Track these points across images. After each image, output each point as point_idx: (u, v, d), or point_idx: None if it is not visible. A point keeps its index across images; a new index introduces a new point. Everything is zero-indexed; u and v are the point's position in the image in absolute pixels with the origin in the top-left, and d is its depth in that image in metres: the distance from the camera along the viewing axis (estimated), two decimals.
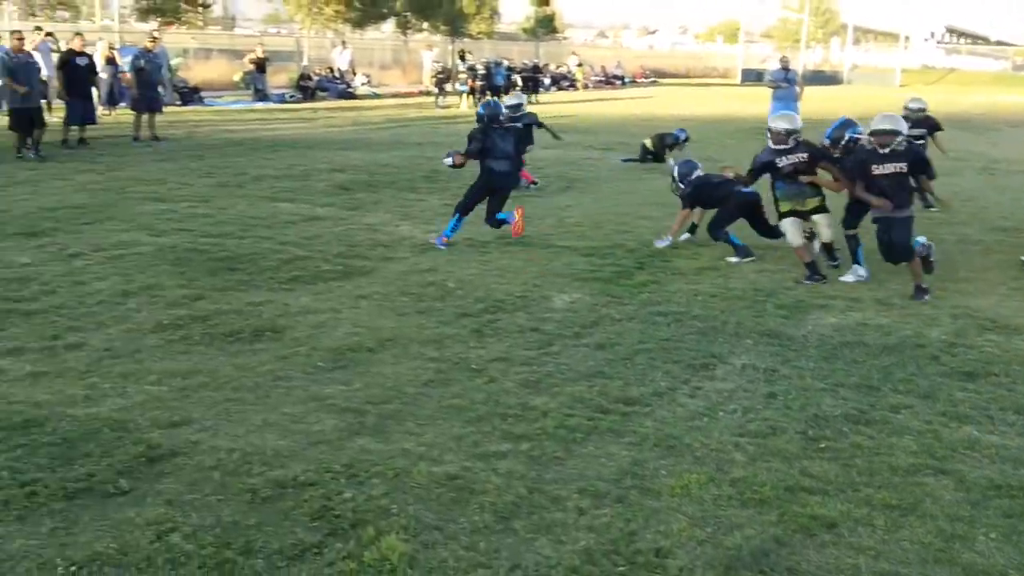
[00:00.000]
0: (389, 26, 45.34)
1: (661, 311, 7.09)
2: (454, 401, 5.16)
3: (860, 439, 4.84)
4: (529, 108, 13.95)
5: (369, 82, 34.19)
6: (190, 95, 25.58)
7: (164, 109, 18.36)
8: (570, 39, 66.65)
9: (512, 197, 9.64)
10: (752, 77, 55.49)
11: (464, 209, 9.14)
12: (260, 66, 28.05)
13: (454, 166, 9.41)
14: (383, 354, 5.91)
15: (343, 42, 35.65)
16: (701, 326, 6.77)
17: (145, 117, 16.98)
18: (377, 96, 32.13)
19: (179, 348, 5.88)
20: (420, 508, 3.96)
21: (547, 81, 38.50)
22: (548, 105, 27.57)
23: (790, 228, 8.36)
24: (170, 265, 7.92)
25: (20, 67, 14.22)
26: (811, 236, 8.56)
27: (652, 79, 53.38)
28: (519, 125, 11.13)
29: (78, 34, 17.04)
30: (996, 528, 3.97)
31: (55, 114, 16.27)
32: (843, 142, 8.65)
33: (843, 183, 8.21)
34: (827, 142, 8.76)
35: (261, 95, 27.54)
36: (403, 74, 38.38)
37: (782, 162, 8.24)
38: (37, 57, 16.74)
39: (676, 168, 9.89)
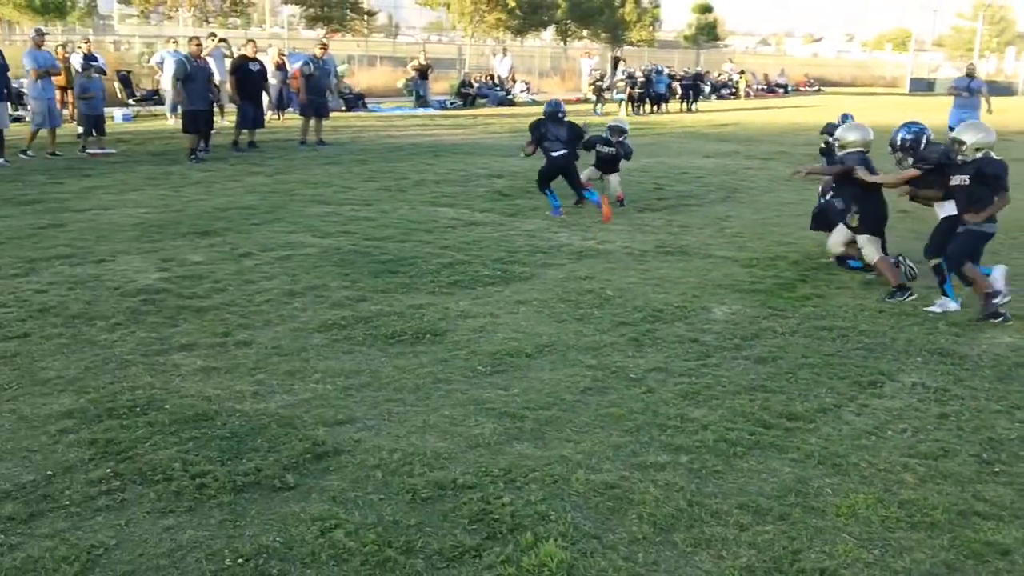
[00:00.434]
0: (548, 34, 45.64)
1: (825, 325, 6.84)
2: (612, 410, 5.11)
3: None
4: (684, 117, 13.53)
5: (528, 89, 34.51)
6: (354, 101, 26.43)
7: (330, 115, 19.01)
8: (731, 47, 65.55)
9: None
10: (922, 87, 53.30)
11: (542, 187, 11.27)
12: (423, 73, 28.72)
13: (527, 155, 11.54)
14: (541, 360, 5.91)
15: (504, 49, 36.13)
16: (868, 342, 6.50)
17: (312, 122, 17.63)
18: (536, 103, 32.35)
19: (343, 348, 6.04)
20: (578, 516, 3.92)
21: (707, 89, 37.92)
22: (708, 114, 27.18)
23: (871, 245, 8.03)
24: (334, 266, 8.16)
25: (197, 71, 14.98)
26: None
27: (816, 87, 51.91)
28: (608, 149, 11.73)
29: (251, 41, 17.87)
30: None
31: (227, 118, 17.09)
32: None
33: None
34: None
35: (423, 101, 28.17)
36: (561, 81, 38.58)
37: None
38: (210, 62, 17.65)
39: None
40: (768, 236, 10.15)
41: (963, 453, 4.70)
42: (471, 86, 30.93)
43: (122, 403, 4.97)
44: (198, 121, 14.94)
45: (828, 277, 8.34)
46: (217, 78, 18.37)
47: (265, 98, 18.58)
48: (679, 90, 32.02)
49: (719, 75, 42.95)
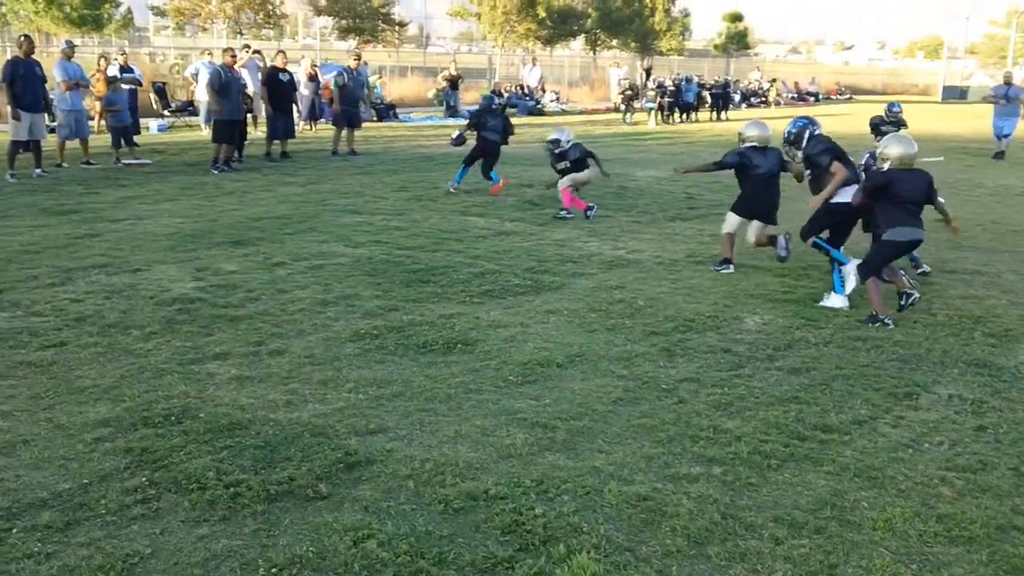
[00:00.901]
0: (578, 43, 45.67)
1: (859, 336, 6.79)
2: (644, 420, 5.09)
3: None
4: (714, 126, 13.48)
5: (558, 99, 34.53)
6: (385, 111, 26.56)
7: (362, 125, 19.11)
8: (761, 55, 65.27)
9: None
10: (955, 95, 52.78)
11: (468, 162, 13.37)
12: (453, 83, 28.82)
13: (457, 143, 13.92)
14: (572, 370, 5.90)
15: (533, 59, 36.19)
16: (903, 353, 6.44)
17: (344, 132, 17.75)
18: (565, 112, 32.40)
19: (375, 357, 6.06)
20: (611, 528, 3.91)
21: (737, 98, 37.76)
22: (738, 122, 26.99)
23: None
24: (366, 276, 8.19)
25: (231, 82, 15.13)
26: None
27: (848, 96, 51.53)
28: (566, 156, 11.69)
29: (280, 52, 18.00)
30: None
31: (260, 128, 17.22)
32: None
33: None
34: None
35: (453, 111, 28.26)
36: (591, 90, 38.56)
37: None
38: (244, 74, 17.81)
39: None
40: (800, 245, 10.02)
41: (1001, 466, 4.64)
42: (501, 96, 30.98)
43: (157, 412, 5.02)
44: (229, 131, 15.05)
45: (861, 287, 8.25)
46: (251, 89, 18.56)
47: (296, 109, 18.70)
48: (708, 99, 31.91)
49: (748, 83, 42.77)
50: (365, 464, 4.46)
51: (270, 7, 29.86)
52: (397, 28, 38.37)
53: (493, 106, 13.90)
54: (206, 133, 20.14)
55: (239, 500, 4.07)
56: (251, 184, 13.59)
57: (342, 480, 4.30)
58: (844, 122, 29.38)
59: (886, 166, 7.33)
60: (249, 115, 17.74)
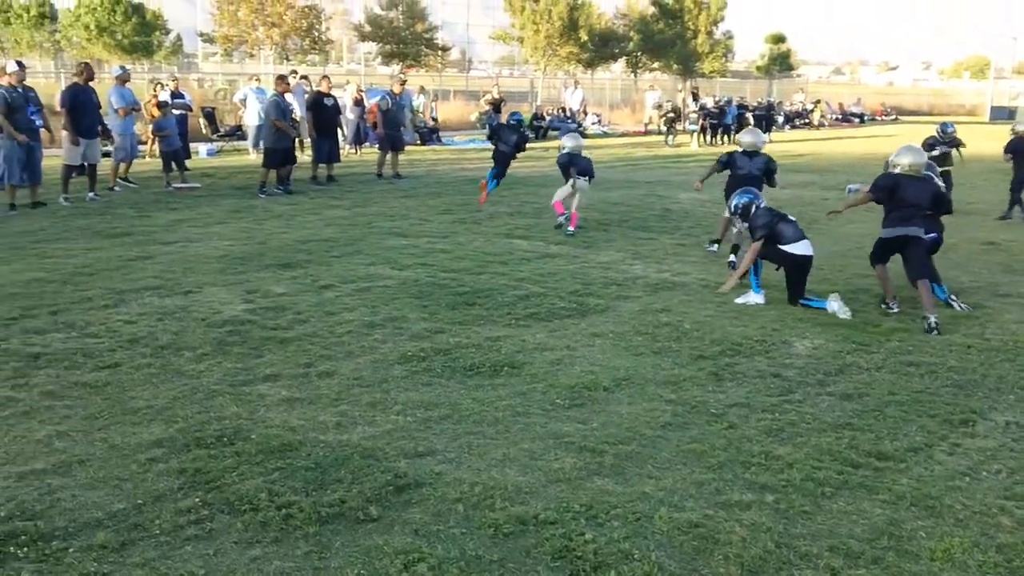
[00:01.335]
0: (618, 66, 45.72)
1: (912, 361, 6.69)
2: (693, 446, 5.05)
3: None
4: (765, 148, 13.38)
5: (600, 121, 34.58)
6: (429, 135, 26.75)
7: (405, 148, 19.28)
8: (805, 76, 64.92)
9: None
10: (1003, 115, 52.04)
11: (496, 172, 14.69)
12: (496, 106, 28.98)
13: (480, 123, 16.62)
14: (619, 394, 5.88)
15: (576, 82, 36.30)
16: (958, 379, 6.33)
17: (388, 156, 17.90)
18: (607, 135, 32.43)
19: (422, 379, 6.08)
20: (662, 555, 3.87)
21: (780, 119, 37.57)
22: (782, 144, 26.88)
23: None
24: (412, 298, 8.23)
25: (287, 109, 15.38)
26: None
27: (893, 116, 51.08)
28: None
29: (325, 77, 18.22)
30: None
31: (307, 152, 17.43)
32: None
33: None
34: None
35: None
36: (632, 113, 38.56)
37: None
38: (290, 99, 18.05)
39: None
40: (849, 268, 9.98)
41: None
42: (543, 119, 31.09)
43: (210, 433, 5.07)
44: (279, 157, 15.26)
45: (913, 311, 8.15)
46: (298, 113, 18.80)
47: (340, 132, 18.89)
48: (751, 120, 31.80)
49: (792, 105, 42.56)
50: (414, 487, 4.47)
51: (316, 33, 30.24)
52: (440, 53, 38.67)
53: (512, 122, 15.43)
54: (254, 157, 20.43)
55: (291, 522, 4.09)
56: (298, 207, 13.73)
57: (392, 503, 4.31)
58: (893, 143, 29.09)
59: (896, 171, 8.25)
60: (296, 139, 17.93)
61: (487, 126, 28.81)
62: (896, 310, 8.11)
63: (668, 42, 38.34)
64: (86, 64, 14.70)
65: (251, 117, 20.98)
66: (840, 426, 5.39)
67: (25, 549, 3.83)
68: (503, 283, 8.88)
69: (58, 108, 14.33)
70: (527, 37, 36.25)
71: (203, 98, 26.30)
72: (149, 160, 18.25)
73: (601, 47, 38.88)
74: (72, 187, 13.68)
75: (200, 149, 21.13)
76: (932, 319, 7.61)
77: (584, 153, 12.57)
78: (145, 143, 19.01)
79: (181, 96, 19.30)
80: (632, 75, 43.72)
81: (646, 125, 34.01)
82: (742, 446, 5.05)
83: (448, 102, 33.81)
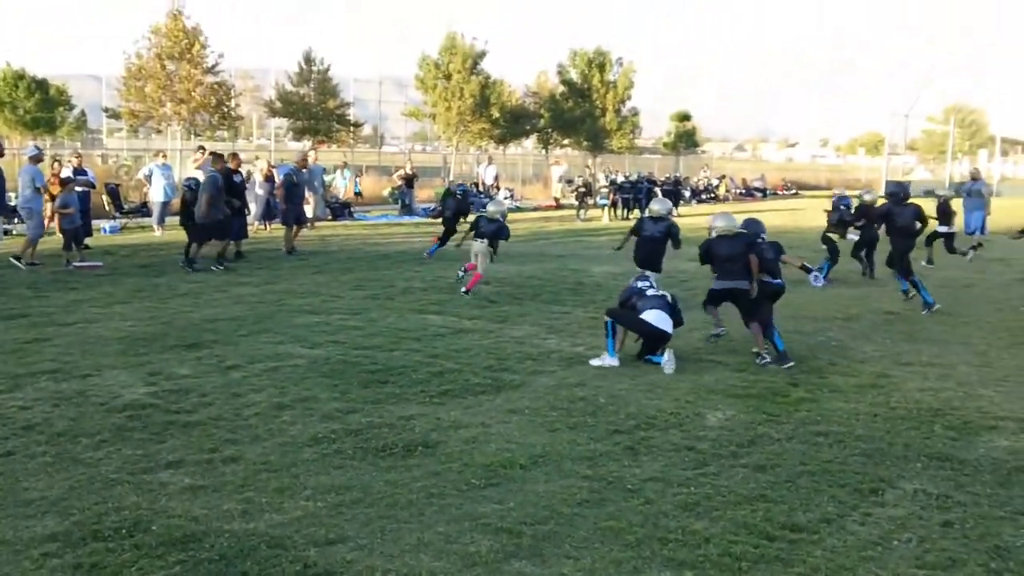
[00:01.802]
0: (530, 141, 46.44)
1: (821, 431, 6.79)
2: (611, 523, 4.99)
3: None
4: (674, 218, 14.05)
5: (512, 195, 34.96)
6: (340, 210, 26.64)
7: (314, 224, 19.18)
8: (709, 152, 66.92)
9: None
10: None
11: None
12: (409, 181, 29.08)
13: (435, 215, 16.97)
14: (535, 471, 5.81)
15: (489, 158, 36.70)
16: (866, 447, 6.44)
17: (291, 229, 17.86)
18: (520, 209, 32.75)
19: (333, 462, 5.92)
20: None
21: (687, 194, 38.59)
22: (690, 217, 27.47)
23: None
24: (323, 377, 8.07)
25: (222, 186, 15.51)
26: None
27: (793, 191, 52.82)
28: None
29: (233, 154, 18.06)
30: None
31: None
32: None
33: None
34: None
35: (408, 209, 28.45)
36: (544, 187, 39.11)
37: None
38: (199, 175, 17.85)
39: None
40: (752, 341, 10.12)
41: (971, 563, 4.61)
42: (456, 194, 31.25)
43: (108, 525, 4.82)
44: (209, 232, 15.37)
45: (820, 381, 8.32)
46: None
47: (246, 208, 18.72)
48: (659, 194, 32.55)
49: (698, 180, 43.79)
50: None
51: (225, 109, 30.00)
52: (352, 129, 38.75)
53: (457, 192, 18.59)
54: (159, 235, 20.04)
55: None
56: (205, 285, 13.45)
57: None
58: (792, 216, 30.05)
59: (713, 234, 9.75)
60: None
61: (400, 201, 28.93)
62: (767, 360, 8.94)
63: (577, 120, 39.10)
64: None
65: (156, 194, 20.64)
66: (754, 498, 5.40)
67: None
68: (417, 359, 8.78)
69: None
70: (439, 114, 36.59)
71: (106, 174, 25.78)
72: (46, 238, 17.74)
73: (513, 124, 39.46)
74: None
75: (103, 226, 20.65)
76: (764, 356, 8.98)
77: (499, 218, 13.72)
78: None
79: (84, 172, 18.85)
80: (544, 151, 44.40)
81: (556, 199, 34.59)
82: (659, 522, 5.02)
83: (360, 177, 33.80)
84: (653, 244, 11.32)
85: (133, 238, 19.97)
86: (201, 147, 22.19)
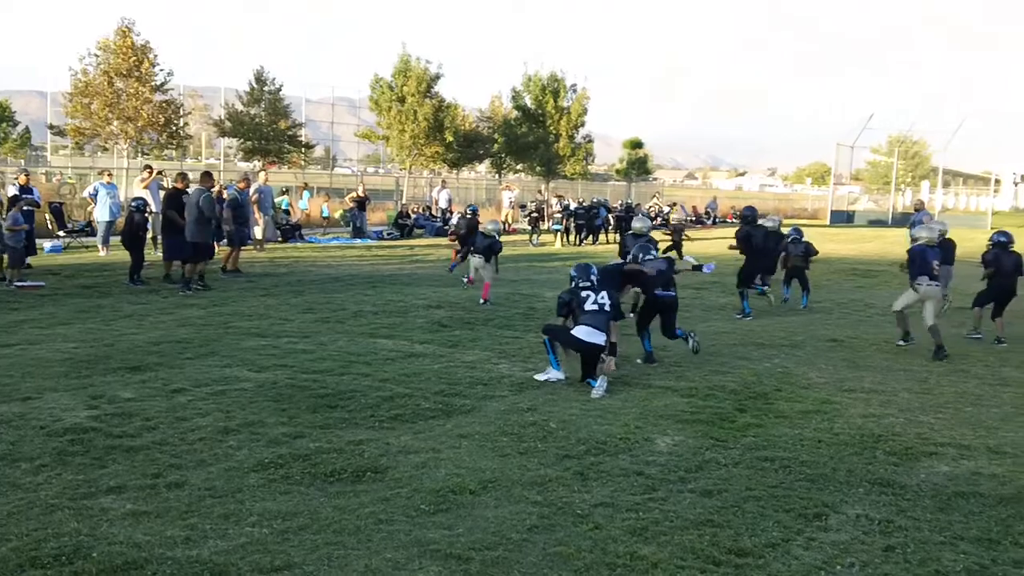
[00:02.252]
0: (484, 165, 46.63)
1: (767, 456, 6.85)
2: (559, 548, 4.99)
3: None
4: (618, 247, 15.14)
5: None
6: (291, 231, 26.47)
7: (267, 245, 19.03)
8: (661, 180, 67.68)
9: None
10: (842, 218, 55.40)
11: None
12: (361, 204, 29.00)
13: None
14: (485, 497, 5.79)
15: (443, 181, 36.76)
16: (810, 472, 6.51)
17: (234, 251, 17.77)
18: None
19: (280, 488, 5.84)
20: None
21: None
22: None
23: None
24: (271, 401, 7.98)
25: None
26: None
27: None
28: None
29: (181, 174, 17.88)
30: None
31: (158, 249, 16.94)
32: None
33: None
34: None
35: (359, 232, 28.35)
36: (497, 211, 39.23)
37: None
38: (147, 194, 17.63)
39: None
40: (705, 365, 10.24)
41: None
42: (408, 217, 31.27)
43: (47, 551, 4.71)
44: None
45: (766, 407, 8.41)
46: (154, 209, 18.35)
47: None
48: (612, 221, 32.81)
49: (650, 207, 44.27)
50: None
51: (174, 128, 29.73)
52: (303, 150, 38.61)
53: (467, 212, 19.83)
54: (104, 254, 19.74)
55: None
56: (150, 306, 13.26)
57: None
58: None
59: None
60: (152, 238, 17.50)
61: (351, 224, 28.83)
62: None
63: (531, 145, 39.39)
64: None
65: (101, 213, 20.34)
66: (701, 523, 5.43)
67: None
68: (366, 384, 8.73)
69: None
70: (393, 136, 36.62)
71: (51, 193, 25.36)
72: None
73: (466, 148, 39.63)
74: None
75: (45, 245, 20.31)
76: (691, 341, 10.51)
77: (493, 235, 15.49)
78: None
79: (30, 191, 18.54)
80: (497, 175, 44.62)
81: (504, 223, 34.70)
82: (608, 547, 5.02)
83: (312, 199, 33.65)
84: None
85: (77, 258, 19.64)
86: (148, 166, 21.90)
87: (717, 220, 49.24)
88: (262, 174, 24.35)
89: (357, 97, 44.96)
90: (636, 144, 53.86)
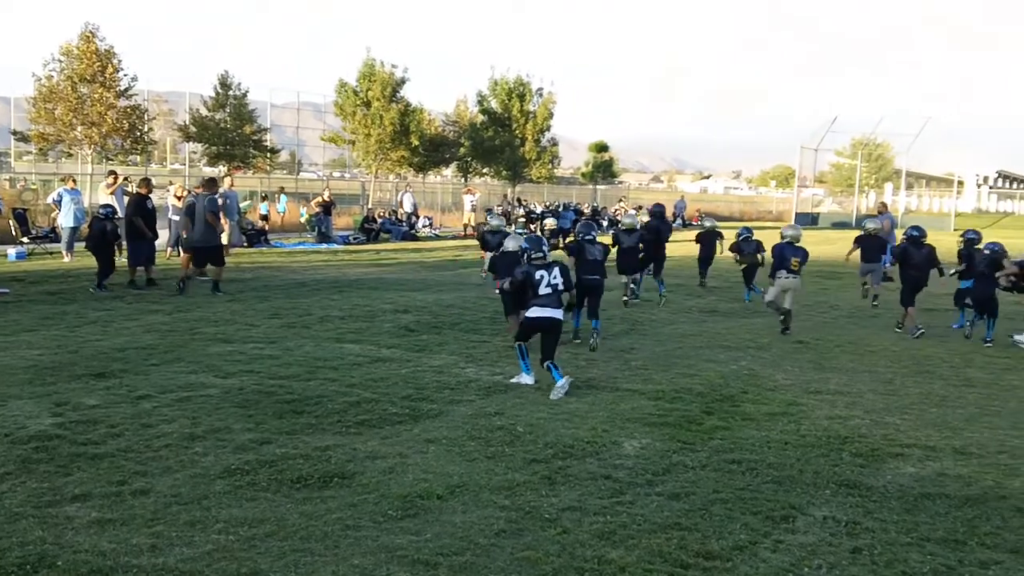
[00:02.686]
0: (450, 170, 46.58)
1: (735, 459, 6.91)
2: (527, 553, 5.00)
3: None
4: None
5: (431, 224, 34.97)
6: (256, 236, 26.29)
7: (232, 250, 18.92)
8: (626, 183, 67.96)
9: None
10: (806, 220, 55.90)
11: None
12: (326, 208, 28.86)
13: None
14: (453, 502, 5.79)
15: (408, 185, 36.66)
16: (777, 475, 6.57)
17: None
18: (439, 237, 32.77)
19: (246, 494, 5.81)
20: None
21: (605, 223, 39.10)
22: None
23: None
24: (237, 407, 7.93)
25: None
26: None
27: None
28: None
29: (145, 180, 17.70)
30: None
31: (123, 254, 16.73)
32: None
33: None
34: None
35: (325, 237, 28.21)
36: (463, 216, 39.24)
37: None
38: (112, 200, 17.41)
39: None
40: (672, 368, 10.30)
41: None
42: (374, 221, 31.17)
43: (11, 560, 4.66)
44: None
45: (733, 409, 8.48)
46: (120, 214, 18.14)
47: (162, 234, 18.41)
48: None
49: (616, 210, 44.45)
50: None
51: (138, 133, 29.41)
52: (268, 154, 38.35)
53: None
54: (68, 260, 19.51)
55: None
56: (115, 313, 13.12)
57: None
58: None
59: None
60: (116, 244, 17.30)
61: (316, 228, 28.69)
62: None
63: (497, 149, 39.40)
64: None
65: (66, 219, 20.10)
66: (669, 526, 5.47)
67: None
68: (333, 389, 8.69)
69: None
70: (358, 141, 36.48)
71: (13, 199, 25.02)
72: None
73: (432, 152, 39.57)
74: None
75: (9, 252, 20.03)
76: (593, 340, 11.39)
77: (502, 230, 16.57)
78: None
79: None
80: (464, 179, 44.58)
81: (465, 227, 34.75)
82: (575, 551, 5.04)
83: (277, 203, 33.46)
84: (632, 253, 15.15)
85: (41, 264, 19.38)
86: (113, 172, 21.71)
87: (684, 223, 49.53)
88: (227, 179, 24.14)
89: (323, 102, 44.79)
90: (602, 147, 54.07)
